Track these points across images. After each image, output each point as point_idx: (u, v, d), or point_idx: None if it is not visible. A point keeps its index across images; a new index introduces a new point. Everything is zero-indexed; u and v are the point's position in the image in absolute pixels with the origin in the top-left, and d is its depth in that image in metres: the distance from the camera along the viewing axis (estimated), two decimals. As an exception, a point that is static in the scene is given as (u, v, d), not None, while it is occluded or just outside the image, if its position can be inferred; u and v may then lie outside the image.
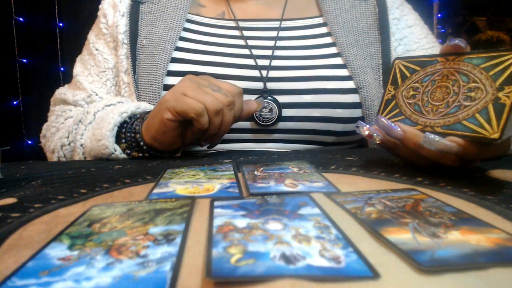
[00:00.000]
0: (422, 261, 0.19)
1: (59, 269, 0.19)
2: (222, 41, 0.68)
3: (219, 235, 0.22)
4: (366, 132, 0.39)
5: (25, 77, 1.89)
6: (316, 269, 0.18)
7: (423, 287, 0.17)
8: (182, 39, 0.67)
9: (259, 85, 0.64)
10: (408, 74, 0.41)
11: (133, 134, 0.55)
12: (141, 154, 0.56)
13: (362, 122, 0.40)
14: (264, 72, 0.65)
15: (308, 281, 0.17)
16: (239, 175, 0.39)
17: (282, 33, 0.70)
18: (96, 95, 0.68)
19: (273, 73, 0.65)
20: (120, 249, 0.21)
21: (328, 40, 0.69)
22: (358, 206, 0.27)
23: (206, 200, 0.30)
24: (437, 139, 0.33)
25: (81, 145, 0.58)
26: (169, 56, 0.65)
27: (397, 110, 0.40)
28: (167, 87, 0.63)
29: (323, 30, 0.71)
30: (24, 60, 1.87)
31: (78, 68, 0.73)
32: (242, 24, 0.71)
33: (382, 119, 0.38)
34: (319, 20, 0.72)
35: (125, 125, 0.56)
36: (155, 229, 0.23)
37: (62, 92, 0.72)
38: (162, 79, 0.63)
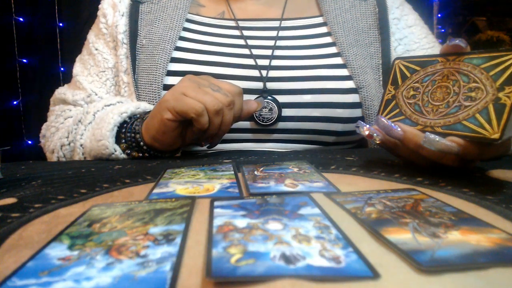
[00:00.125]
0: (422, 261, 0.19)
1: (59, 269, 0.19)
2: (222, 40, 0.68)
3: (219, 235, 0.22)
4: (366, 132, 0.39)
5: (25, 77, 1.89)
6: (316, 269, 0.18)
7: (423, 287, 0.17)
8: (182, 38, 0.67)
9: (259, 84, 0.64)
10: (408, 74, 0.41)
11: (133, 134, 0.55)
12: (141, 154, 0.56)
13: (362, 122, 0.40)
14: (264, 72, 0.65)
15: (308, 281, 0.17)
16: (239, 175, 0.39)
17: (282, 33, 0.70)
18: (96, 94, 0.68)
19: (273, 73, 0.65)
20: (120, 249, 0.21)
21: (328, 39, 0.69)
22: (358, 206, 0.27)
23: (206, 200, 0.30)
24: (437, 139, 0.33)
25: (81, 145, 0.58)
26: (168, 56, 0.65)
27: (397, 110, 0.40)
28: (166, 87, 0.63)
29: (323, 29, 0.71)
30: (24, 60, 1.87)
31: (77, 68, 0.73)
32: (242, 23, 0.71)
33: (382, 119, 0.38)
34: (319, 20, 0.72)
35: (125, 125, 0.56)
36: (155, 229, 0.23)
37: (62, 92, 0.72)
38: (161, 79, 0.63)
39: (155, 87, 0.63)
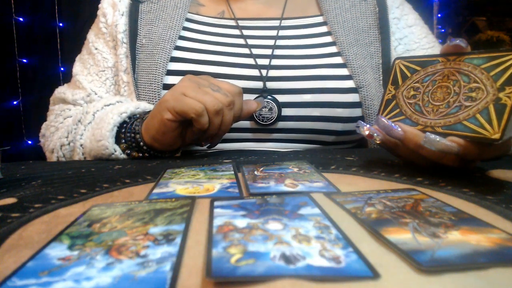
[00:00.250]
0: (422, 261, 0.19)
1: (59, 269, 0.19)
2: (221, 40, 0.68)
3: (219, 235, 0.22)
4: (366, 132, 0.39)
5: (25, 77, 1.89)
6: (316, 269, 0.18)
7: (423, 287, 0.17)
8: (182, 38, 0.67)
9: (258, 84, 0.64)
10: (408, 74, 0.41)
11: (132, 135, 0.55)
12: (141, 154, 0.56)
13: (362, 122, 0.40)
14: (264, 72, 0.64)
15: (308, 281, 0.17)
16: (239, 175, 0.39)
17: (282, 32, 0.70)
18: (95, 94, 0.68)
19: (272, 72, 0.65)
20: (120, 249, 0.21)
21: (328, 39, 0.69)
22: (358, 206, 0.27)
23: (206, 200, 0.30)
24: (437, 139, 0.33)
25: (81, 145, 0.58)
26: (168, 55, 0.65)
27: (398, 110, 0.40)
28: (166, 86, 0.63)
29: (323, 29, 0.71)
30: (24, 60, 1.87)
31: (77, 67, 0.73)
32: (241, 23, 0.71)
33: (383, 119, 0.38)
34: (319, 19, 0.72)
35: (124, 125, 0.56)
36: (155, 229, 0.23)
37: (62, 91, 0.72)
38: (161, 78, 0.63)
39: (154, 86, 0.63)
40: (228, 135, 0.62)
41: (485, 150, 0.33)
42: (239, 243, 0.21)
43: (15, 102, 1.88)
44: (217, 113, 0.48)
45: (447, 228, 0.23)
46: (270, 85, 0.64)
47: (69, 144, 0.61)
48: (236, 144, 0.66)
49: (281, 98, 0.64)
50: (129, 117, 0.57)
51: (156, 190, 0.33)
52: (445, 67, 0.38)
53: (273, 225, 0.23)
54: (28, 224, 0.27)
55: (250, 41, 0.68)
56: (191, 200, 0.29)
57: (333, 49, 0.68)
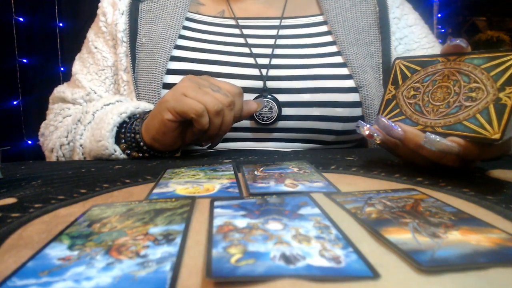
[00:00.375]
0: (422, 261, 0.19)
1: (59, 269, 0.19)
2: (221, 39, 0.68)
3: (219, 235, 0.22)
4: (367, 132, 0.39)
5: (25, 77, 1.89)
6: (316, 269, 0.18)
7: (423, 287, 0.17)
8: (182, 37, 0.67)
9: (258, 83, 0.64)
10: (408, 74, 0.41)
11: (132, 135, 0.55)
12: (141, 154, 0.56)
13: (362, 122, 0.40)
14: (264, 71, 0.64)
15: (308, 281, 0.17)
16: (239, 175, 0.39)
17: (282, 32, 0.70)
18: (95, 93, 0.68)
19: (273, 72, 0.65)
20: (120, 249, 0.21)
21: (328, 38, 0.69)
22: (358, 206, 0.27)
23: (206, 200, 0.30)
24: (437, 139, 0.33)
25: (81, 145, 0.58)
26: (168, 54, 0.65)
27: (398, 110, 0.40)
28: (166, 86, 0.63)
29: (323, 28, 0.71)
30: (24, 60, 1.87)
31: (77, 66, 0.73)
32: (242, 22, 0.71)
33: (383, 119, 0.38)
34: (320, 19, 0.72)
35: (124, 125, 0.56)
36: (155, 229, 0.23)
37: (61, 90, 0.72)
38: (161, 78, 0.63)
39: (154, 85, 0.63)
40: (228, 135, 0.62)
41: (485, 150, 0.33)
42: (239, 243, 0.21)
43: (15, 102, 1.88)
44: (217, 114, 0.48)
45: (447, 228, 0.23)
46: (270, 84, 0.64)
47: (68, 144, 0.60)
48: (236, 143, 0.66)
49: (281, 97, 0.64)
50: (129, 117, 0.57)
51: (156, 190, 0.33)
52: (445, 67, 0.38)
53: (273, 225, 0.23)
54: (28, 224, 0.27)
55: (250, 40, 0.68)
56: (191, 200, 0.29)
57: (333, 48, 0.68)
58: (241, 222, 0.24)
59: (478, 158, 0.35)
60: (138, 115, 0.58)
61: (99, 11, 0.73)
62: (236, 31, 0.70)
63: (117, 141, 0.56)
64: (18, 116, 1.89)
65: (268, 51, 0.67)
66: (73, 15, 1.86)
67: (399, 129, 0.37)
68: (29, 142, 1.90)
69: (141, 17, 0.70)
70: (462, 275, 0.18)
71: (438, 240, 0.21)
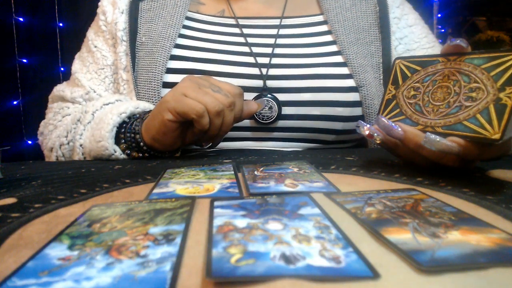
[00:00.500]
0: (422, 261, 0.19)
1: (59, 269, 0.19)
2: (221, 38, 0.68)
3: (219, 235, 0.22)
4: (367, 132, 0.39)
5: (25, 77, 1.89)
6: (316, 269, 0.18)
7: (423, 287, 0.17)
8: (182, 36, 0.67)
9: (259, 83, 0.64)
10: (409, 74, 0.41)
11: (132, 135, 0.55)
12: (141, 154, 0.56)
13: (362, 122, 0.40)
14: (264, 70, 0.64)
15: (308, 281, 0.17)
16: (239, 175, 0.39)
17: (282, 31, 0.70)
18: (94, 92, 0.68)
19: (273, 71, 0.65)
20: (120, 249, 0.21)
21: (328, 38, 0.69)
22: (358, 206, 0.27)
23: (206, 200, 0.30)
24: (437, 139, 0.33)
25: (81, 145, 0.58)
26: (168, 53, 0.65)
27: (398, 110, 0.40)
28: (166, 84, 0.63)
29: (324, 28, 0.71)
30: (24, 60, 1.87)
31: (76, 65, 0.73)
32: (242, 21, 0.71)
33: (383, 119, 0.38)
34: (320, 18, 0.72)
35: (124, 125, 0.56)
36: (155, 229, 0.23)
37: (60, 89, 0.72)
38: (161, 77, 0.63)
39: (154, 84, 0.63)
40: (228, 134, 0.62)
41: (485, 150, 0.33)
42: (239, 243, 0.21)
43: (15, 102, 1.88)
44: (218, 114, 0.48)
45: (447, 228, 0.23)
46: (270, 83, 0.64)
47: (68, 143, 0.60)
48: (236, 143, 0.66)
49: (281, 96, 0.64)
50: (129, 117, 0.57)
51: (156, 190, 0.33)
52: (445, 67, 0.38)
53: (273, 225, 0.23)
54: (28, 224, 0.27)
55: (250, 40, 0.68)
56: (191, 200, 0.29)
57: (333, 48, 0.68)
58: (241, 222, 0.24)
59: (478, 158, 0.35)
60: (137, 115, 0.58)
61: (99, 10, 0.74)
62: (236, 30, 0.70)
63: (117, 141, 0.56)
64: (18, 116, 1.89)
65: (268, 50, 0.67)
66: (73, 15, 1.86)
67: (399, 129, 0.37)
68: (29, 142, 1.90)
69: (141, 16, 0.70)
70: (462, 275, 0.18)
71: (438, 240, 0.21)
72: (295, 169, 0.40)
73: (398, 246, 0.20)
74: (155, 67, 0.64)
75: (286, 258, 0.19)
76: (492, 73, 0.34)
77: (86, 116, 0.59)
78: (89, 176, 0.42)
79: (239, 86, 0.53)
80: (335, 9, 0.71)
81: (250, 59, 0.66)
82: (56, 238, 0.23)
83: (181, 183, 0.35)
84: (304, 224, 0.23)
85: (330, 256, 0.19)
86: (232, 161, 0.47)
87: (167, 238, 0.22)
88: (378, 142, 0.39)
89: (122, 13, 0.70)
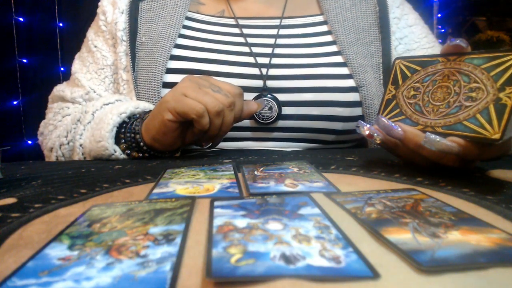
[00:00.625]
0: (422, 261, 0.19)
1: (59, 269, 0.19)
2: (221, 38, 0.68)
3: (219, 235, 0.22)
4: (367, 132, 0.39)
5: (25, 77, 1.89)
6: (316, 269, 0.18)
7: (423, 287, 0.17)
8: (182, 36, 0.67)
9: (259, 83, 0.64)
10: (409, 74, 0.41)
11: (132, 135, 0.55)
12: (141, 154, 0.56)
13: (362, 122, 0.40)
14: (264, 70, 0.65)
15: (308, 281, 0.17)
16: (239, 175, 0.39)
17: (282, 31, 0.70)
18: (94, 92, 0.68)
19: (273, 71, 0.65)
20: (120, 249, 0.21)
21: (328, 38, 0.69)
22: (358, 206, 0.27)
23: (206, 200, 0.30)
24: (437, 139, 0.33)
25: (81, 145, 0.58)
26: (168, 53, 0.65)
27: (398, 110, 0.40)
28: (166, 85, 0.63)
29: (324, 28, 0.71)
30: (24, 60, 1.87)
31: (76, 65, 0.73)
32: (242, 22, 0.71)
33: (383, 119, 0.38)
34: (320, 18, 0.72)
35: (124, 125, 0.56)
36: (155, 229, 0.23)
37: (60, 89, 0.72)
38: (161, 77, 0.63)
39: (154, 84, 0.63)
40: (228, 134, 0.62)
41: (485, 150, 0.33)
42: (239, 243, 0.21)
43: (15, 102, 1.88)
44: (218, 114, 0.48)
45: (447, 228, 0.23)
46: (270, 83, 0.64)
47: (68, 143, 0.60)
48: (236, 143, 0.66)
49: (281, 97, 0.64)
50: (129, 117, 0.57)
51: (156, 190, 0.33)
52: (445, 67, 0.38)
53: (273, 225, 0.23)
54: (28, 224, 0.27)
55: (250, 40, 0.68)
56: (191, 200, 0.29)
57: (333, 48, 0.68)
58: (241, 222, 0.24)
59: (478, 158, 0.35)
60: (137, 115, 0.58)
61: (99, 10, 0.74)
62: (236, 30, 0.70)
63: (117, 141, 0.56)
64: (18, 116, 1.89)
65: (268, 50, 0.67)
66: (73, 15, 1.86)
67: (399, 129, 0.37)
68: (29, 142, 1.90)
69: (141, 16, 0.70)
70: (462, 275, 0.18)
71: (438, 240, 0.21)
72: (295, 169, 0.40)
73: (398, 246, 0.20)
74: (155, 67, 0.64)
75: (286, 258, 0.19)
76: (492, 73, 0.34)
77: (86, 116, 0.59)
78: (89, 176, 0.42)
79: (239, 86, 0.53)
80: (335, 9, 0.71)
81: (250, 59, 0.66)
82: (56, 238, 0.23)
83: (181, 183, 0.35)
84: (304, 224, 0.23)
85: (330, 256, 0.19)
86: (232, 161, 0.47)
87: (167, 238, 0.22)
88: (378, 142, 0.39)
89: (122, 13, 0.70)
